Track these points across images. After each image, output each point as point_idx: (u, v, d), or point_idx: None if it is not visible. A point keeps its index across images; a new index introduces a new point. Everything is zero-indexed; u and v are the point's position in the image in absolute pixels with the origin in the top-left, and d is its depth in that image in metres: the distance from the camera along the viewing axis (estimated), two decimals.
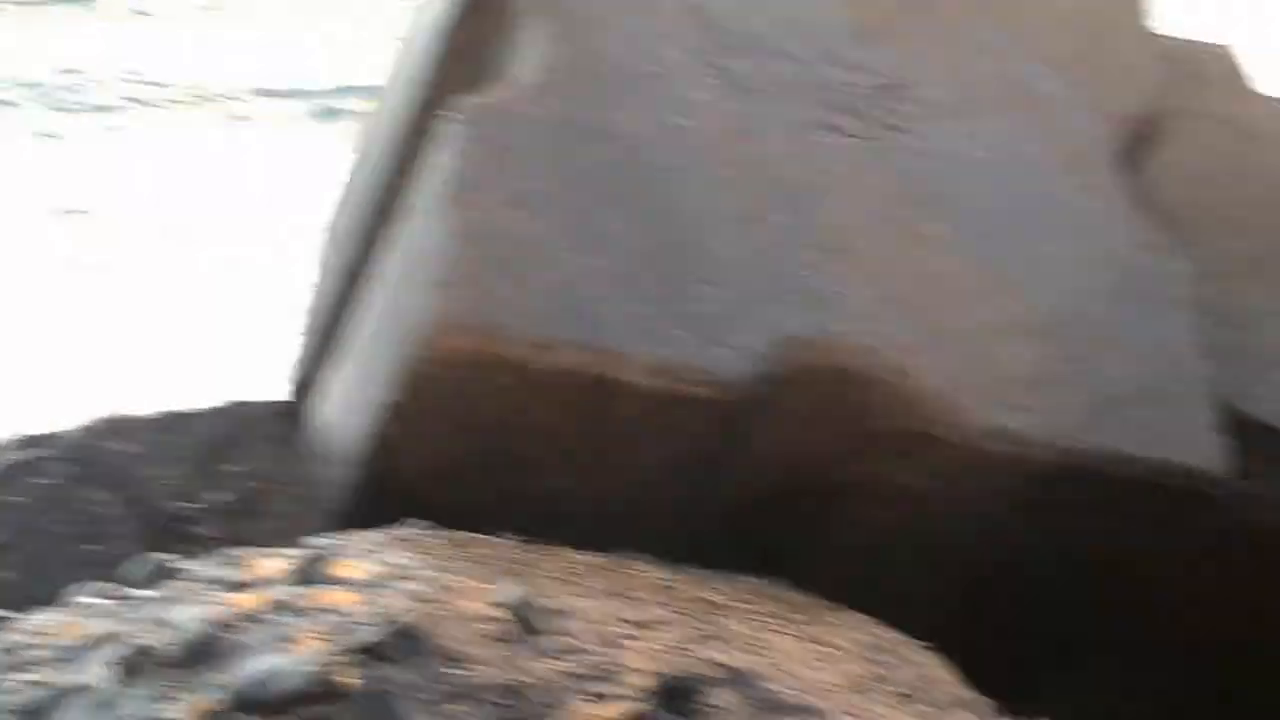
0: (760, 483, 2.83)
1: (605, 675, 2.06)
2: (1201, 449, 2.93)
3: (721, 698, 2.07)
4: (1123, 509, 2.90)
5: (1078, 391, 2.90)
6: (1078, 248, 3.09)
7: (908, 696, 2.27)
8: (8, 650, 2.15)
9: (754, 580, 2.68)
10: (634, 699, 2.03)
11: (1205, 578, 3.04)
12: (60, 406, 4.09)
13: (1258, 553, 3.03)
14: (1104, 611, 3.03)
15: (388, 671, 1.99)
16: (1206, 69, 3.64)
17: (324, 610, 2.12)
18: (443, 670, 2.00)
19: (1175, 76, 3.52)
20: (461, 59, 3.23)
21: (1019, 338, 2.92)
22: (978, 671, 2.54)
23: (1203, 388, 3.01)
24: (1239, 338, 3.22)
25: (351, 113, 8.42)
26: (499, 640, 2.09)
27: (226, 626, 2.09)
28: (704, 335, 2.69)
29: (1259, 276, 3.38)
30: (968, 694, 2.38)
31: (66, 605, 2.28)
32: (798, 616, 2.50)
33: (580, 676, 2.05)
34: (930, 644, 2.57)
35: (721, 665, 2.14)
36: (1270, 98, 3.77)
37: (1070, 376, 2.91)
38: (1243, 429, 3.04)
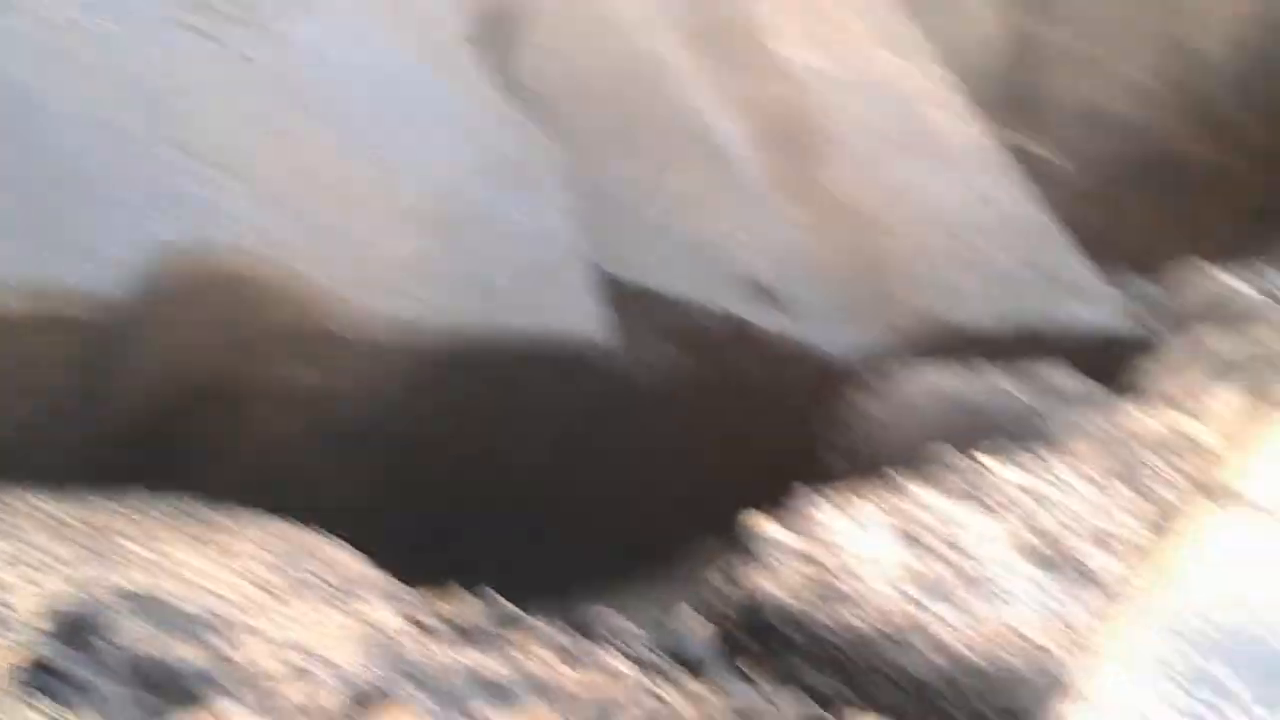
0: (153, 398, 2.75)
1: None
2: (582, 319, 3.09)
3: (122, 624, 2.03)
4: (515, 382, 3.04)
5: (464, 276, 2.99)
6: (451, 136, 3.16)
7: (316, 589, 2.30)
8: None
9: (157, 497, 2.62)
10: (28, 643, 1.96)
11: (594, 438, 3.24)
12: None
13: (638, 410, 3.25)
14: (508, 478, 3.18)
15: None
16: None
17: None
18: None
19: None
20: None
21: (402, 229, 2.97)
22: (398, 554, 2.60)
23: (580, 260, 3.17)
24: (612, 209, 3.40)
25: None
26: None
27: None
28: (73, 252, 2.55)
29: (625, 149, 3.58)
30: (375, 576, 2.43)
31: None
32: (202, 528, 2.47)
33: None
34: (344, 534, 2.61)
35: (120, 590, 2.09)
36: None
37: (455, 262, 2.99)
38: (621, 296, 3.23)
